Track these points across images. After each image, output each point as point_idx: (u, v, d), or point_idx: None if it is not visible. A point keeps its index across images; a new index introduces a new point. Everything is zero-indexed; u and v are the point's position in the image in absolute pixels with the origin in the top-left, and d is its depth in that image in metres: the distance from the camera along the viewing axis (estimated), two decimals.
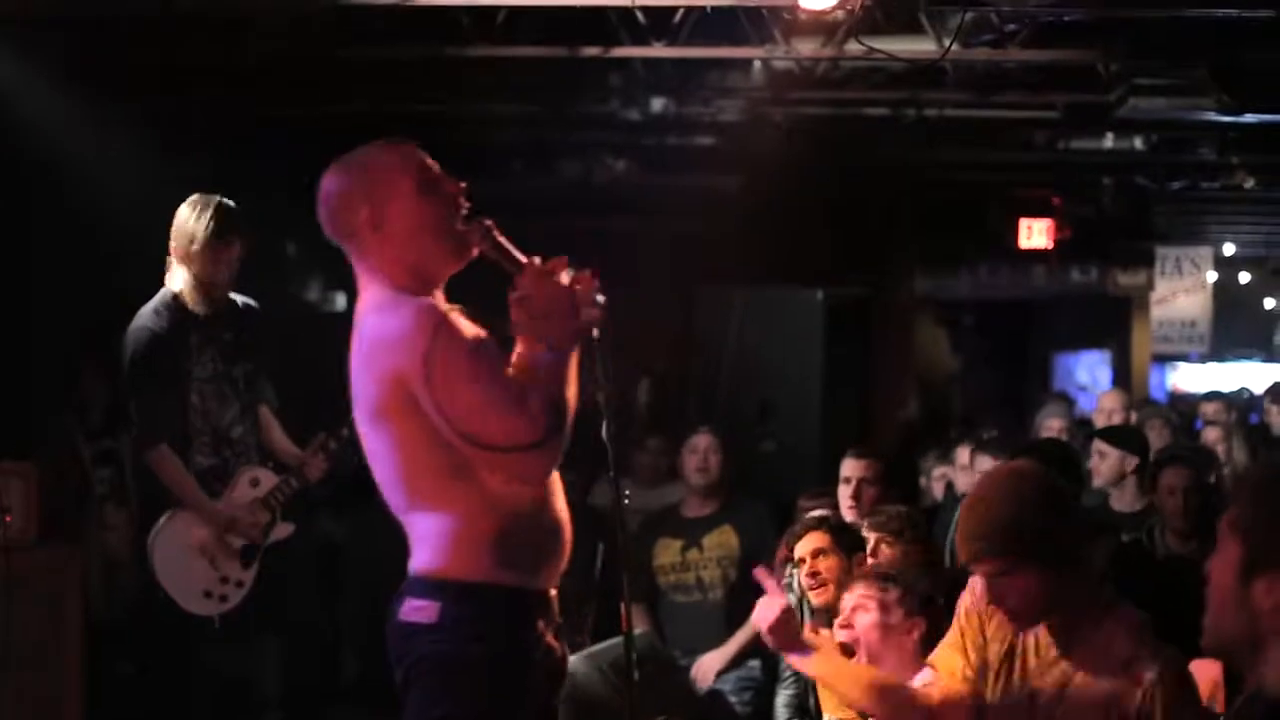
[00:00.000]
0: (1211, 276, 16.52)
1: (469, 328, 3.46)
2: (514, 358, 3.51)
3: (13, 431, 6.73)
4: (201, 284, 5.74)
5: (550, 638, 3.54)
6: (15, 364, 7.77)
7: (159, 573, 5.71)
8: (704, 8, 7.72)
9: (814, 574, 5.25)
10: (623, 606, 4.79)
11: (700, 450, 7.35)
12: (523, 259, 3.50)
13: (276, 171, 7.79)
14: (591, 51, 8.29)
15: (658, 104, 9.96)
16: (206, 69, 8.67)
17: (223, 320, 5.84)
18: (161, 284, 5.80)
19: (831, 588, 5.12)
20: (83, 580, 6.29)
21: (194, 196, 5.72)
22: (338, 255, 3.64)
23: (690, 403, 9.63)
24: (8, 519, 5.82)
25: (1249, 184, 12.18)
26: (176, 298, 5.75)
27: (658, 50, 8.27)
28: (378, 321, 3.44)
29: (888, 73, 9.17)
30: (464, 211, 3.54)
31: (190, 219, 5.68)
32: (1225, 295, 17.81)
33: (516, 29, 8.00)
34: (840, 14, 7.30)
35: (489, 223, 3.52)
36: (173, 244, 5.72)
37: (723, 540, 7.19)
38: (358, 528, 7.96)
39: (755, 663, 6.85)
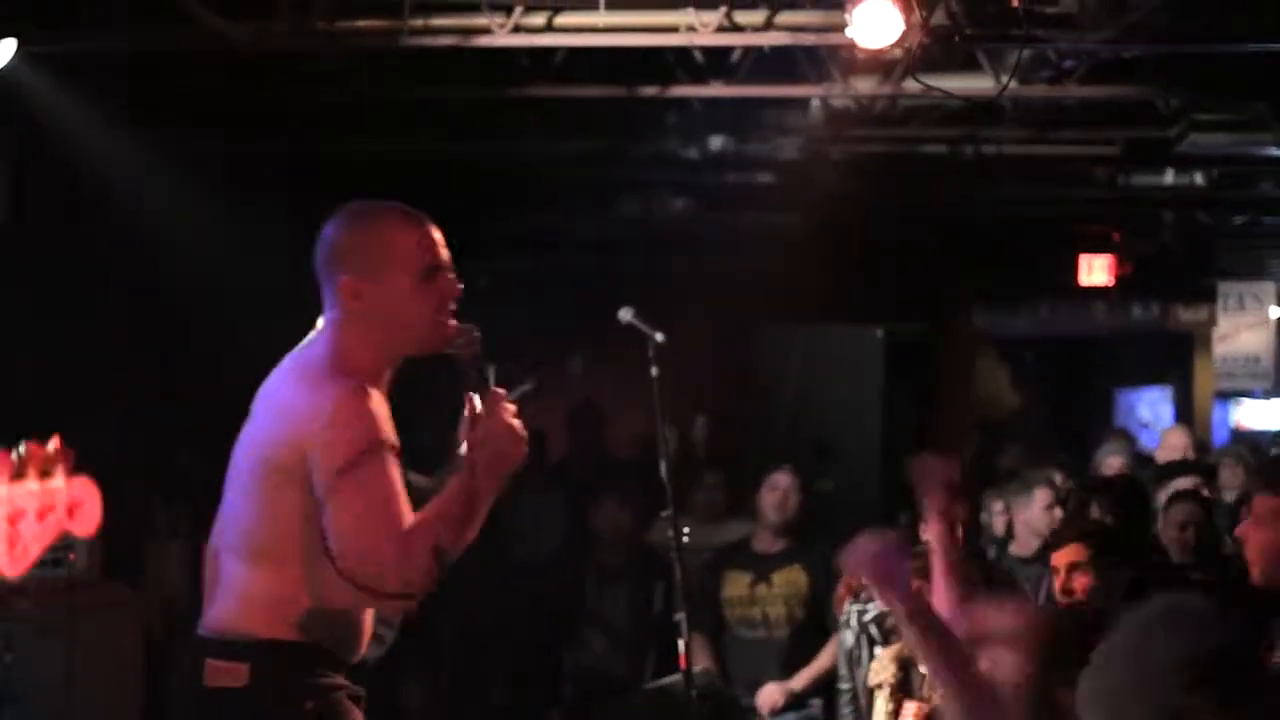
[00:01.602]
0: (1275, 312, 16.34)
1: (391, 439, 3.19)
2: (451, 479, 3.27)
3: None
4: None
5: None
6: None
7: None
8: (761, 47, 7.74)
9: (1067, 591, 4.77)
10: (681, 643, 4.80)
11: (781, 488, 7.33)
12: (489, 382, 3.30)
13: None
14: (649, 91, 8.33)
15: (716, 142, 9.98)
16: (273, 111, 8.76)
17: None
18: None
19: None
20: (144, 616, 6.35)
21: None
22: None
23: (748, 441, 9.60)
24: (70, 557, 5.88)
25: None
26: None
27: (716, 89, 8.30)
28: (308, 393, 3.20)
29: (946, 110, 9.16)
30: (453, 308, 3.33)
31: None
32: None
33: (575, 69, 8.06)
34: (898, 52, 7.30)
35: (477, 333, 3.33)
36: None
37: (792, 579, 7.16)
38: None
39: (817, 701, 6.82)
